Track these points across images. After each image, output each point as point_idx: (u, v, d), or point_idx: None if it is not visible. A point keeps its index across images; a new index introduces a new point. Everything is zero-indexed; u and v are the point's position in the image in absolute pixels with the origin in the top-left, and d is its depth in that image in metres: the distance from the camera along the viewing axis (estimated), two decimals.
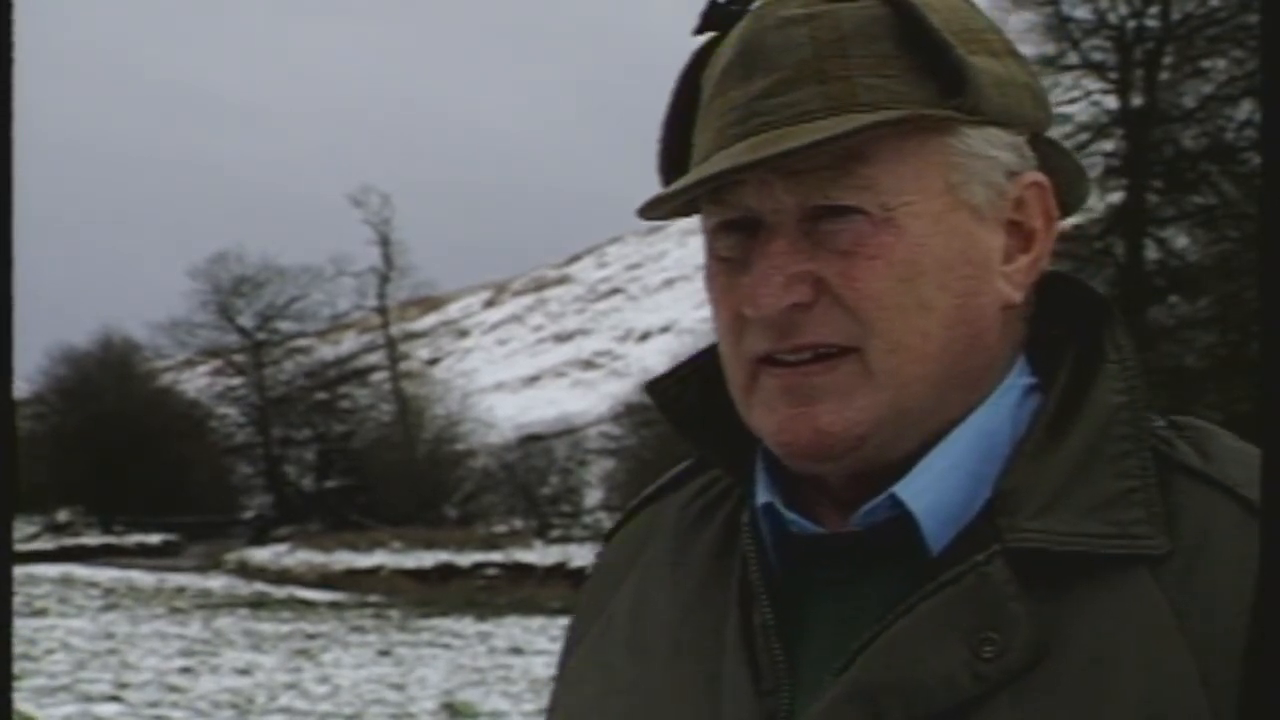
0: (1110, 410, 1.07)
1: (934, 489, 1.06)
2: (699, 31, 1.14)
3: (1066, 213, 1.16)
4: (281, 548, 37.23)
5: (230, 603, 27.15)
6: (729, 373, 1.11)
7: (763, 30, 1.07)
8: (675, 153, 1.14)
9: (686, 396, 1.19)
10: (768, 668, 1.07)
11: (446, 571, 31.42)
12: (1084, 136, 24.35)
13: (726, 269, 1.09)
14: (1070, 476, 1.05)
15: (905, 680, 1.01)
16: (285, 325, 49.15)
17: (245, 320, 48.54)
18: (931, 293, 1.06)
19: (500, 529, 37.52)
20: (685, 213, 1.14)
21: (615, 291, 75.27)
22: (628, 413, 38.83)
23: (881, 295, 1.04)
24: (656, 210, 1.12)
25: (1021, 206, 1.10)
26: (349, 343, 53.67)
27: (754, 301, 1.05)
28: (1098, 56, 24.96)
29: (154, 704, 14.18)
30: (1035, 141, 1.12)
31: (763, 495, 1.12)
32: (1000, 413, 1.09)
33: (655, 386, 1.20)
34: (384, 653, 19.40)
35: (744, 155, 1.04)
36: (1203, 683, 0.98)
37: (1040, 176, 1.11)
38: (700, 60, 1.13)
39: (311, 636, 21.39)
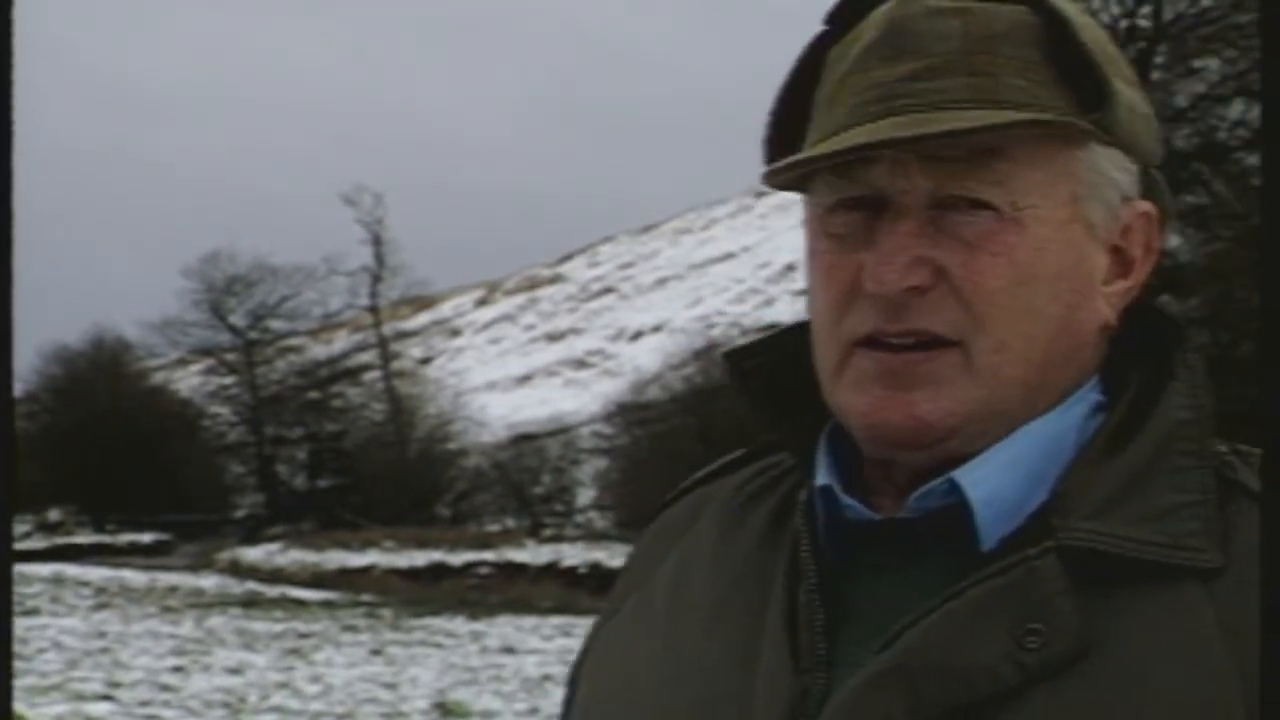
0: (1174, 425, 1.08)
1: (992, 480, 1.07)
2: (832, 20, 1.14)
3: None
4: (274, 547, 37.14)
5: (222, 602, 27.10)
6: (820, 352, 1.11)
7: (912, 16, 1.08)
8: (787, 125, 1.14)
9: (761, 372, 1.19)
10: (806, 646, 1.07)
11: (439, 571, 31.36)
12: None
13: (838, 246, 1.09)
14: (1127, 484, 1.05)
15: (946, 664, 1.01)
16: (277, 324, 48.94)
17: (237, 319, 48.34)
18: (1043, 299, 1.06)
19: (493, 528, 37.46)
20: (798, 186, 1.13)
21: (607, 291, 75.16)
22: (620, 412, 38.84)
23: (998, 293, 1.05)
24: (780, 177, 1.11)
25: (1128, 233, 1.11)
26: (341, 342, 53.57)
27: (877, 277, 1.05)
28: None
29: (146, 703, 14.15)
30: (1144, 175, 1.13)
31: (822, 478, 1.12)
32: (1067, 420, 1.10)
33: (731, 356, 1.20)
34: (376, 652, 19.37)
35: (896, 131, 1.04)
36: (1245, 701, 0.98)
37: (1150, 207, 1.12)
38: (827, 37, 1.14)
39: (304, 635, 21.34)
